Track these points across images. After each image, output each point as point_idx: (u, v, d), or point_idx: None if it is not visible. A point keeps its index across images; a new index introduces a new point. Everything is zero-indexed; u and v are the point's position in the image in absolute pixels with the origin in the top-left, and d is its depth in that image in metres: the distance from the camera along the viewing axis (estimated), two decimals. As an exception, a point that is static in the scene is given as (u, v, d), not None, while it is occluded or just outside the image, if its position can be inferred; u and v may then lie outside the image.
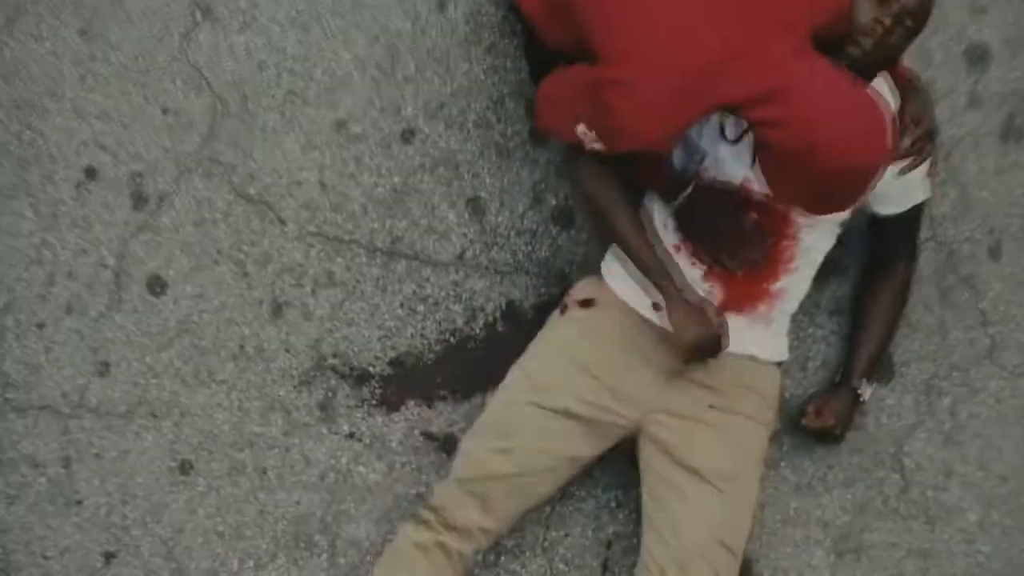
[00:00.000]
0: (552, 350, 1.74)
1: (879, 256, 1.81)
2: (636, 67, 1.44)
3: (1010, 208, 1.94)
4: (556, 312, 1.80)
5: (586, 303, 1.75)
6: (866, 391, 1.83)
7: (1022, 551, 1.95)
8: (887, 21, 1.49)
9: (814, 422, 1.81)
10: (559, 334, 1.76)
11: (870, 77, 1.56)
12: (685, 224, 1.65)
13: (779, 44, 1.43)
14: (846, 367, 1.85)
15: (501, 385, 1.77)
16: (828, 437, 1.83)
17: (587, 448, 1.71)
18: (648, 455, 1.71)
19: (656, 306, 1.65)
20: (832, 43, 1.49)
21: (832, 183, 1.46)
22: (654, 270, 1.61)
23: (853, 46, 1.50)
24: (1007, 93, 1.95)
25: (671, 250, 1.66)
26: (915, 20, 1.52)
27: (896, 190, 1.67)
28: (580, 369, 1.68)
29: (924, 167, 1.68)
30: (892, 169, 1.61)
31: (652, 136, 1.46)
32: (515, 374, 1.76)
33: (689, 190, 1.62)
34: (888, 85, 1.62)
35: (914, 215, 1.76)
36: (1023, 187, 1.95)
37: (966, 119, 1.94)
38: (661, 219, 1.67)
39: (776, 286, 1.66)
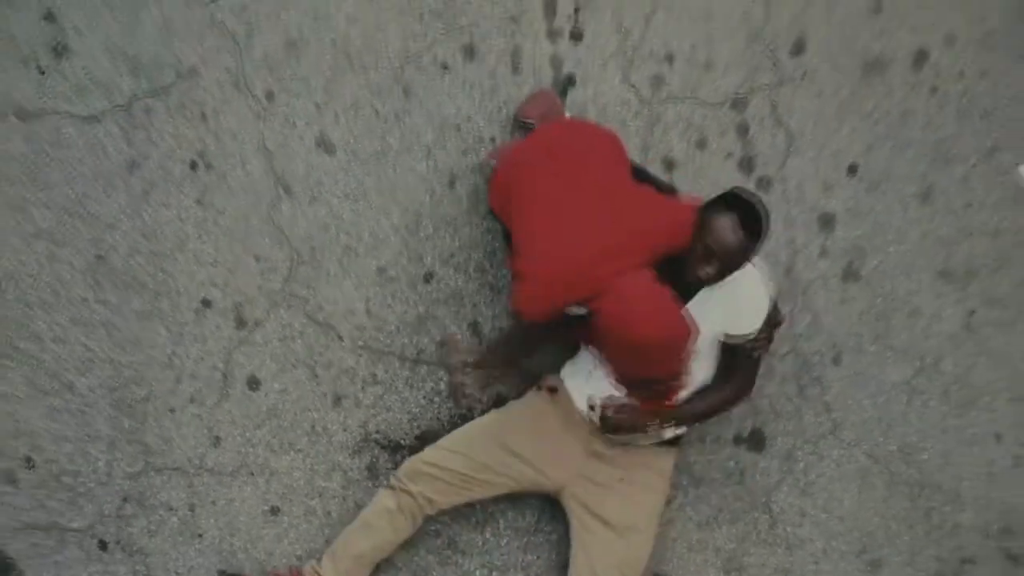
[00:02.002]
0: (521, 415, 2.56)
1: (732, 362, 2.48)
2: (528, 268, 2.19)
3: (848, 329, 2.78)
4: (533, 389, 2.60)
5: (552, 389, 2.59)
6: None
7: (855, 569, 2.79)
8: (706, 270, 2.23)
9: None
10: (531, 406, 2.57)
11: (718, 279, 2.26)
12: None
13: (615, 263, 2.15)
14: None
15: (483, 417, 2.57)
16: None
17: (517, 485, 2.51)
18: (573, 506, 2.50)
19: (591, 407, 2.46)
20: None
21: (627, 354, 2.17)
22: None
23: (689, 269, 2.23)
24: (848, 247, 2.79)
25: (605, 377, 2.44)
26: (722, 260, 2.19)
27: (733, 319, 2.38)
28: (528, 441, 2.48)
29: (753, 301, 2.37)
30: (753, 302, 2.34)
31: (536, 314, 2.21)
32: (493, 416, 2.56)
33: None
34: (763, 278, 2.33)
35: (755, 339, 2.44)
36: (858, 314, 2.78)
37: (818, 265, 2.78)
38: (596, 357, 2.49)
39: (675, 400, 2.47)
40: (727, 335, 2.33)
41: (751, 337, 2.32)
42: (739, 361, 2.37)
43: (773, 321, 2.36)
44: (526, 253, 2.21)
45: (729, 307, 2.32)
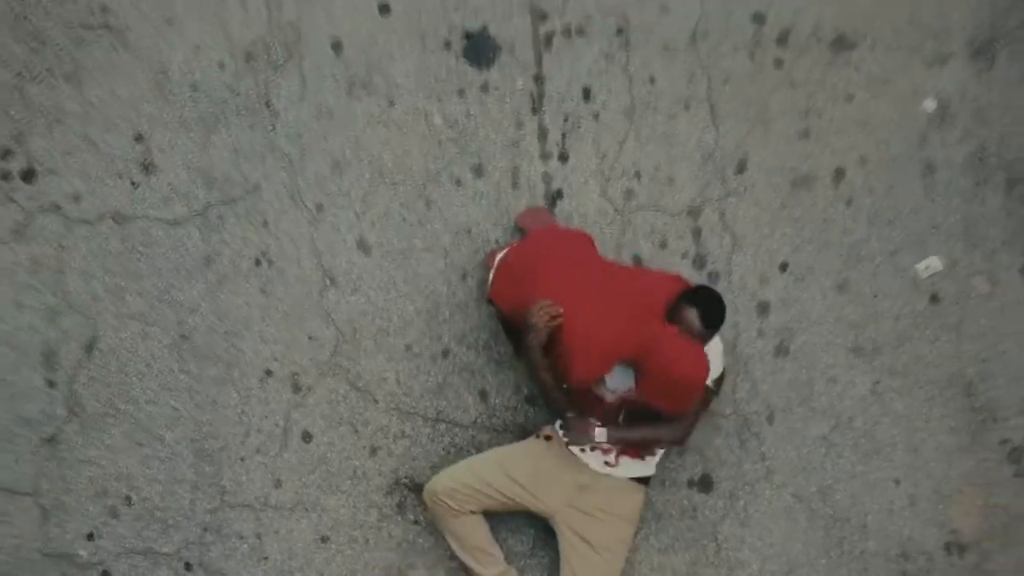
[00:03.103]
0: (524, 453, 3.22)
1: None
2: (576, 343, 2.80)
3: (780, 394, 3.45)
4: (533, 436, 3.24)
5: (547, 437, 3.29)
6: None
7: None
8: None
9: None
10: (531, 447, 3.29)
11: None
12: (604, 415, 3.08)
13: (642, 324, 2.83)
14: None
15: (487, 452, 3.20)
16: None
17: (515, 506, 3.13)
18: (563, 529, 3.13)
19: (584, 451, 3.07)
20: None
21: (674, 395, 2.85)
22: (562, 404, 3.03)
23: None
24: (780, 329, 3.48)
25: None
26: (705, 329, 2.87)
27: None
28: (525, 476, 3.13)
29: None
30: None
31: (591, 379, 2.83)
32: (497, 451, 3.19)
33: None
34: (721, 350, 3.01)
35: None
36: (787, 382, 3.46)
37: (756, 343, 3.48)
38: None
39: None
40: None
41: (711, 388, 2.99)
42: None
43: (717, 386, 3.09)
44: (569, 332, 2.79)
45: None
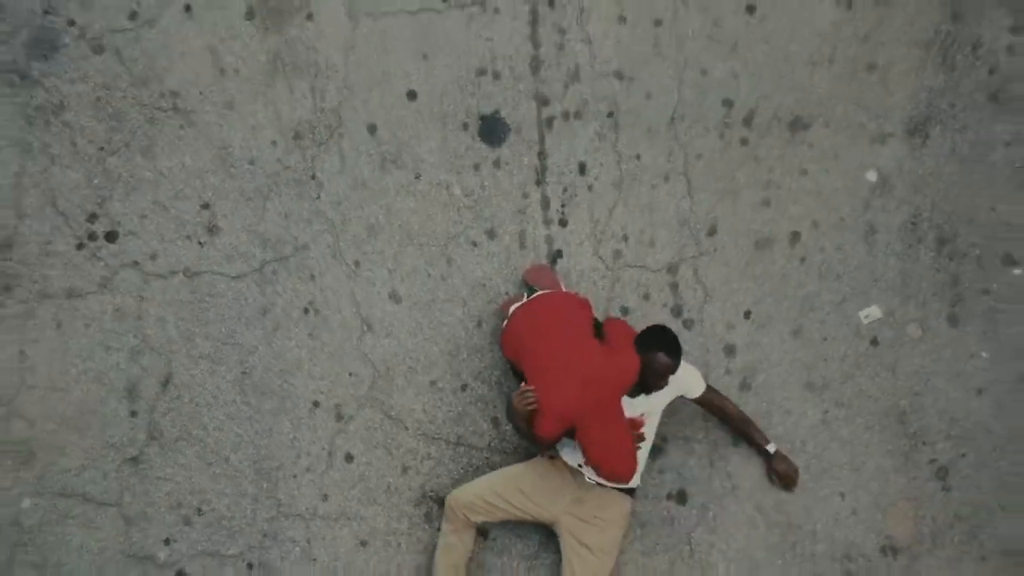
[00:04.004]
0: (533, 471, 3.91)
1: (709, 406, 3.80)
2: (546, 409, 3.41)
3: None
4: (539, 456, 3.90)
5: (551, 456, 3.98)
6: (772, 447, 3.86)
7: None
8: (657, 383, 3.65)
9: (788, 482, 3.88)
10: (538, 465, 3.96)
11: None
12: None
13: (592, 400, 3.40)
14: (756, 447, 3.88)
15: (502, 469, 3.79)
16: (792, 483, 3.88)
17: (524, 515, 3.71)
18: (563, 534, 3.71)
19: (580, 466, 3.82)
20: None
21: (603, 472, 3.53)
22: (546, 450, 3.70)
23: (652, 385, 3.54)
24: (744, 368, 4.14)
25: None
26: (667, 376, 3.47)
27: (687, 388, 3.72)
28: (531, 488, 3.79)
29: (689, 382, 3.74)
30: (690, 382, 3.70)
31: (553, 438, 3.42)
32: (510, 469, 3.78)
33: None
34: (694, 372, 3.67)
35: (706, 393, 3.75)
36: (750, 414, 4.13)
37: (724, 380, 4.10)
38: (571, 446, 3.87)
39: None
40: (689, 398, 3.71)
41: (701, 394, 3.69)
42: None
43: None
44: (538, 390, 3.37)
45: (680, 387, 3.68)
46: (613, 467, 3.44)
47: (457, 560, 3.78)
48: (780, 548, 3.91)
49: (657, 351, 3.43)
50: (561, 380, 3.33)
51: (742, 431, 3.88)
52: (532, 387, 3.31)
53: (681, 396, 3.71)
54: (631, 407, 3.53)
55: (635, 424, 3.52)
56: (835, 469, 3.95)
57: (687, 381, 3.68)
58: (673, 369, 3.44)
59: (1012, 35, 4.05)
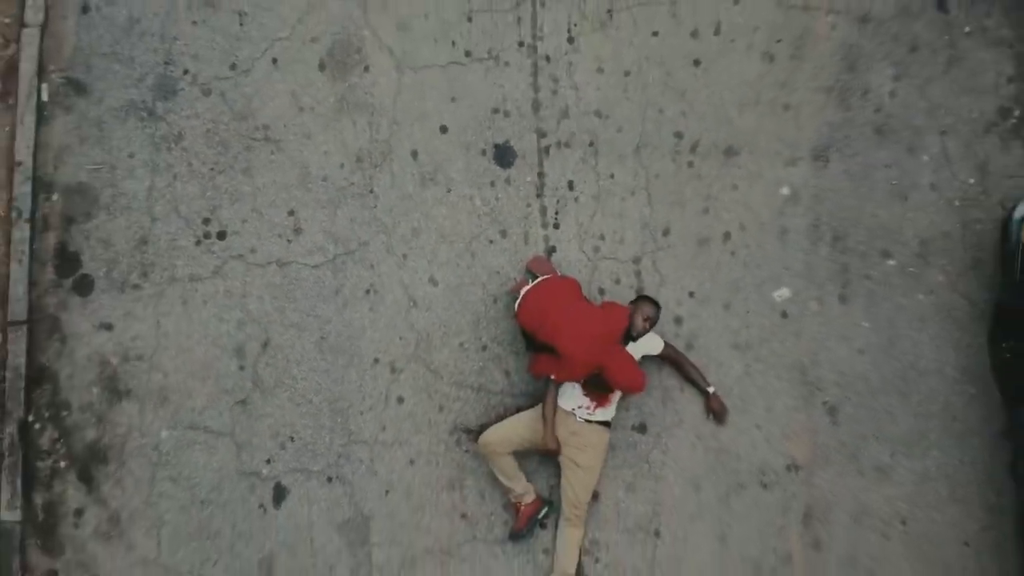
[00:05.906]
0: (538, 414, 5.18)
1: (667, 358, 5.16)
2: (568, 352, 4.95)
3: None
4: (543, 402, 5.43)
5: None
6: (711, 390, 5.12)
7: (690, 493, 5.74)
8: (642, 325, 5.10)
9: (720, 417, 5.22)
10: (541, 411, 5.47)
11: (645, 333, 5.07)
12: (584, 385, 5.30)
13: (604, 345, 4.98)
14: (698, 389, 5.20)
15: (520, 414, 5.14)
16: (723, 418, 5.18)
17: (533, 447, 5.08)
18: (562, 458, 5.12)
19: (573, 410, 5.19)
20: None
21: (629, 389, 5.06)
22: (549, 420, 5.13)
23: (635, 330, 5.00)
24: (688, 334, 5.57)
25: (578, 387, 5.26)
26: (653, 321, 4.97)
27: (651, 348, 5.17)
28: (539, 429, 5.25)
29: (653, 343, 5.13)
30: (653, 343, 5.15)
31: (575, 377, 4.89)
32: (524, 414, 5.13)
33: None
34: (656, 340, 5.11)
35: (666, 349, 5.16)
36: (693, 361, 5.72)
37: (674, 343, 5.69)
38: (571, 385, 5.36)
39: (611, 396, 5.22)
40: (653, 354, 5.06)
41: (662, 350, 5.10)
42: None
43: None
44: (563, 347, 4.72)
45: (646, 346, 5.13)
46: (631, 384, 4.76)
47: (508, 465, 5.03)
48: (714, 466, 5.10)
49: (647, 301, 4.87)
50: (576, 336, 4.65)
51: (689, 377, 5.19)
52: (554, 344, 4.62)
53: (646, 355, 5.09)
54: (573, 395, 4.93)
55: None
56: (754, 408, 5.13)
57: (652, 342, 5.08)
58: (656, 314, 4.84)
59: (894, 82, 5.37)
